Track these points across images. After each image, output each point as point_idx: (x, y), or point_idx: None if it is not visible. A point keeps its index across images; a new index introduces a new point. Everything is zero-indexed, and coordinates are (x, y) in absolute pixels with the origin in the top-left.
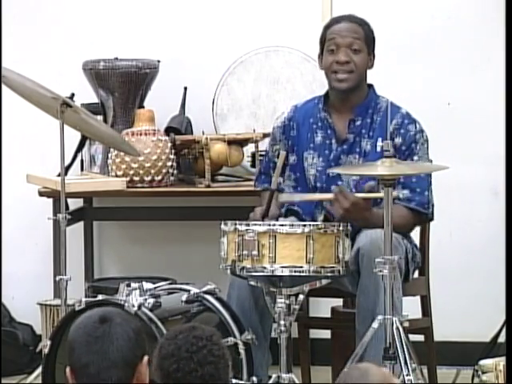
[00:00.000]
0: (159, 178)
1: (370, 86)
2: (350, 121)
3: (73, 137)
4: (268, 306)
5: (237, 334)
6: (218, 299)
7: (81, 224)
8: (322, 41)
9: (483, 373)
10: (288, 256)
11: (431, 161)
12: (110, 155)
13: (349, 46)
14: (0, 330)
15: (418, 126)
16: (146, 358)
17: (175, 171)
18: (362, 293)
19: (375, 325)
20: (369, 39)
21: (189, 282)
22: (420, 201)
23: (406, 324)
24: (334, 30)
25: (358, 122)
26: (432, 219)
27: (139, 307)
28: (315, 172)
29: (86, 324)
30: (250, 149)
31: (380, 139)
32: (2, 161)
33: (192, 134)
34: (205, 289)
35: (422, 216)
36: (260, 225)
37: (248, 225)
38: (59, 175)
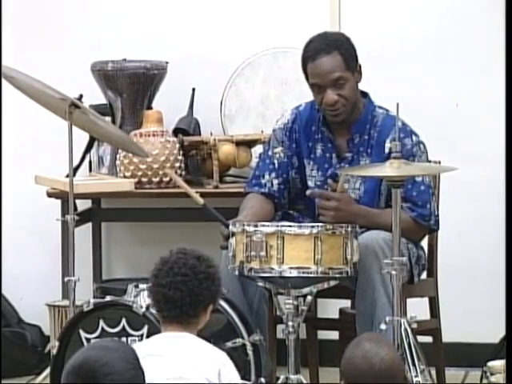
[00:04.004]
0: (167, 179)
1: (366, 95)
2: (348, 140)
3: (81, 138)
4: (277, 306)
5: (245, 335)
6: (226, 300)
7: (89, 225)
8: (304, 71)
9: (492, 374)
10: (296, 257)
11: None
12: (118, 156)
13: (333, 85)
14: (0, 331)
15: (414, 138)
16: None
17: (183, 172)
18: (360, 296)
19: (383, 326)
20: (350, 61)
21: None
22: (421, 213)
23: (414, 325)
24: (312, 69)
25: (357, 140)
26: (435, 230)
27: (147, 308)
28: (314, 185)
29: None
30: (258, 150)
31: (388, 140)
32: (11, 162)
33: (200, 135)
34: None
35: (424, 227)
36: (268, 226)
37: (256, 226)
38: (67, 176)
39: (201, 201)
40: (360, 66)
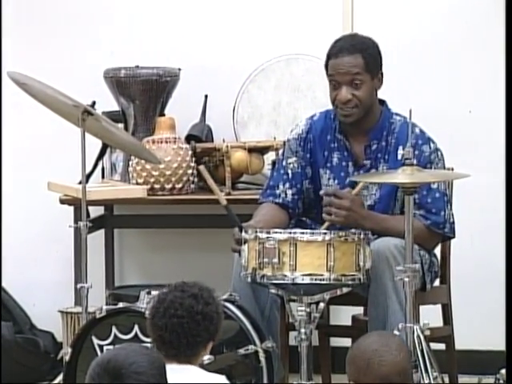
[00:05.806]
0: (180, 185)
1: (383, 103)
2: (366, 147)
3: (94, 144)
4: (289, 313)
5: (257, 341)
6: (239, 307)
7: (102, 232)
8: (326, 67)
9: (505, 381)
10: (308, 264)
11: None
12: (130, 163)
13: (349, 83)
14: (0, 336)
15: (432, 145)
16: None
17: (196, 179)
18: (372, 303)
19: (395, 333)
20: (371, 64)
21: None
22: (435, 221)
23: (427, 332)
24: (333, 64)
25: (374, 147)
26: (451, 237)
27: None
28: None
29: None
30: (270, 157)
31: (401, 147)
32: (23, 169)
33: (212, 141)
34: (225, 296)
35: (437, 235)
36: (281, 233)
37: (269, 232)
38: (80, 183)
39: (224, 201)
40: (382, 74)
